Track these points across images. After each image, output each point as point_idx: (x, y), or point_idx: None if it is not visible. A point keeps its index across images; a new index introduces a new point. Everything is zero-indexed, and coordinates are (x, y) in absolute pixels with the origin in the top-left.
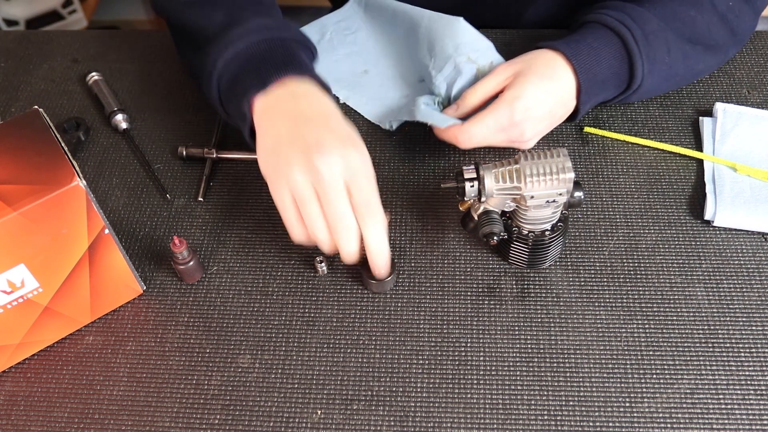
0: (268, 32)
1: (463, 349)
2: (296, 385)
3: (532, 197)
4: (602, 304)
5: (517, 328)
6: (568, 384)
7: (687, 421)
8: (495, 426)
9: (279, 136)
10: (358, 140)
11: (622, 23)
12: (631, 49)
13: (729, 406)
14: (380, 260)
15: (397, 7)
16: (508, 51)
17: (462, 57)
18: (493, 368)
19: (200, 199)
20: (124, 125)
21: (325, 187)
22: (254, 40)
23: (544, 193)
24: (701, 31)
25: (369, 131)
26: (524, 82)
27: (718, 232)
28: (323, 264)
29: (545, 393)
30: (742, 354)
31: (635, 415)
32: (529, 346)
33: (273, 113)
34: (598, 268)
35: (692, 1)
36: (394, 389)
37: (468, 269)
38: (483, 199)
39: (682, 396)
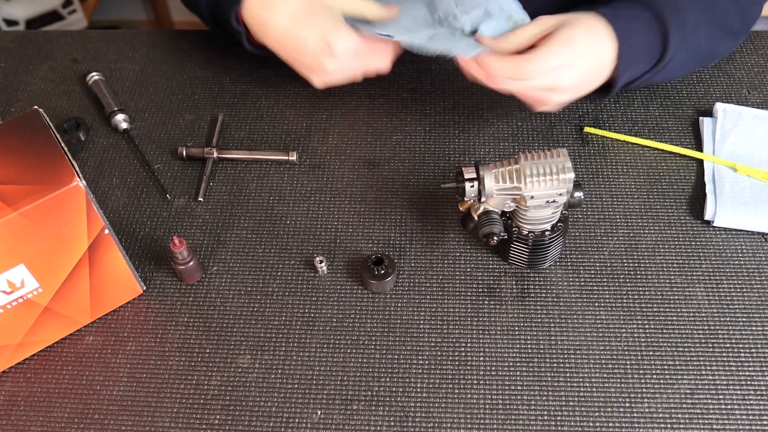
0: None
1: (463, 349)
2: (296, 385)
3: (532, 197)
4: (602, 304)
5: (517, 329)
6: (568, 384)
7: (687, 421)
8: (495, 426)
9: (286, 47)
10: (331, 34)
11: None
12: (666, 21)
13: (729, 406)
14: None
15: None
16: None
17: (493, 5)
18: (493, 368)
19: (200, 199)
20: (124, 125)
21: (344, 57)
22: None
23: (544, 194)
24: (721, 14)
25: (368, 133)
26: (575, 28)
27: (718, 232)
28: (323, 264)
29: (545, 393)
30: (742, 354)
31: (635, 415)
32: (529, 346)
33: (262, 25)
34: (598, 268)
35: None
36: (394, 389)
37: (468, 269)
38: (483, 199)
39: (682, 396)
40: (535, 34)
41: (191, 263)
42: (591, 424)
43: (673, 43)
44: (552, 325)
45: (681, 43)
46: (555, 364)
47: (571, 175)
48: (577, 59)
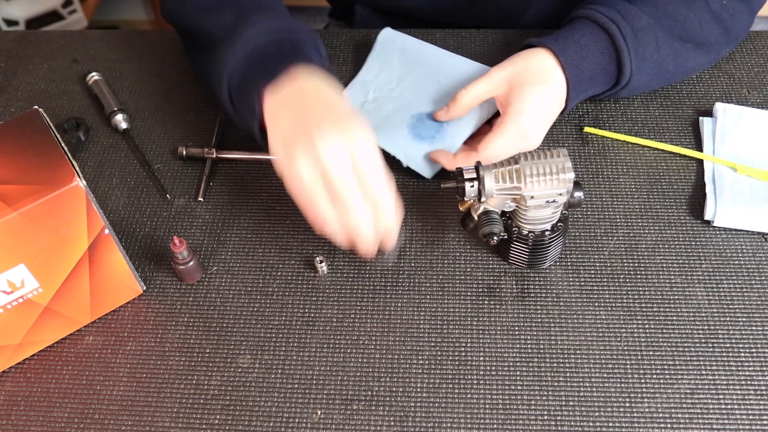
0: (278, 33)
1: (463, 349)
2: (296, 385)
3: (532, 197)
4: (602, 304)
5: (517, 328)
6: (568, 384)
7: (687, 421)
8: (495, 426)
9: (285, 130)
10: (358, 120)
11: (611, 20)
12: (619, 45)
13: (729, 406)
14: (386, 243)
15: (425, 50)
16: (508, 51)
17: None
18: (493, 368)
19: (200, 199)
20: (124, 125)
21: (329, 172)
22: (265, 41)
23: (544, 193)
24: (693, 29)
25: None
26: (524, 94)
27: (718, 232)
28: (323, 264)
29: (545, 393)
30: (742, 354)
31: (635, 415)
32: (529, 346)
33: (280, 108)
34: (598, 268)
35: (684, 0)
36: (394, 389)
37: (468, 269)
38: (483, 199)
39: (682, 396)
40: (488, 91)
41: (191, 263)
42: (591, 424)
43: (628, 67)
44: (552, 325)
45: (640, 64)
46: (555, 364)
47: (571, 175)
48: (533, 124)
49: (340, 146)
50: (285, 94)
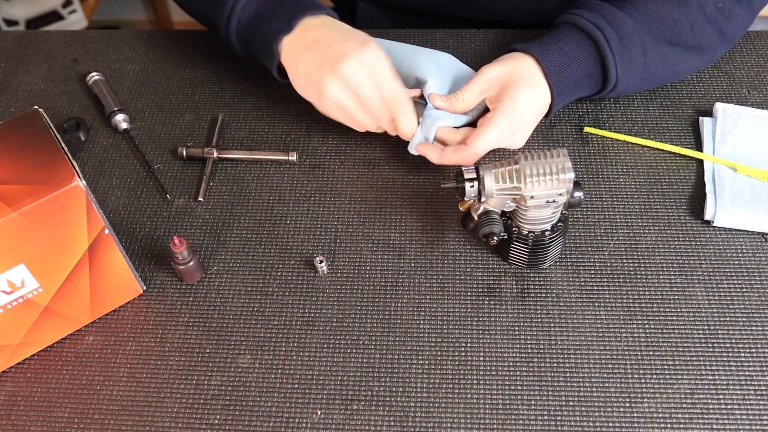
0: None
1: (463, 349)
2: (296, 385)
3: (532, 197)
4: (602, 304)
5: (517, 328)
6: (568, 384)
7: (687, 421)
8: (495, 426)
9: (307, 64)
10: (371, 42)
11: (596, 25)
12: (604, 51)
13: (729, 406)
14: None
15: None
16: (503, 52)
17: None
18: (493, 368)
19: (200, 199)
20: (124, 125)
21: (356, 88)
22: None
23: (544, 193)
24: (683, 33)
25: (368, 133)
26: (516, 92)
27: (718, 232)
28: (323, 264)
29: (545, 393)
30: (742, 354)
31: (635, 415)
32: (529, 346)
33: (298, 48)
34: (598, 268)
35: (677, 4)
36: (394, 389)
37: (468, 269)
38: (483, 199)
39: (682, 396)
40: (480, 94)
41: (191, 263)
42: (591, 424)
43: (613, 72)
44: (552, 325)
45: (626, 69)
46: (555, 364)
47: (571, 175)
48: (521, 122)
49: (360, 68)
50: (299, 35)
